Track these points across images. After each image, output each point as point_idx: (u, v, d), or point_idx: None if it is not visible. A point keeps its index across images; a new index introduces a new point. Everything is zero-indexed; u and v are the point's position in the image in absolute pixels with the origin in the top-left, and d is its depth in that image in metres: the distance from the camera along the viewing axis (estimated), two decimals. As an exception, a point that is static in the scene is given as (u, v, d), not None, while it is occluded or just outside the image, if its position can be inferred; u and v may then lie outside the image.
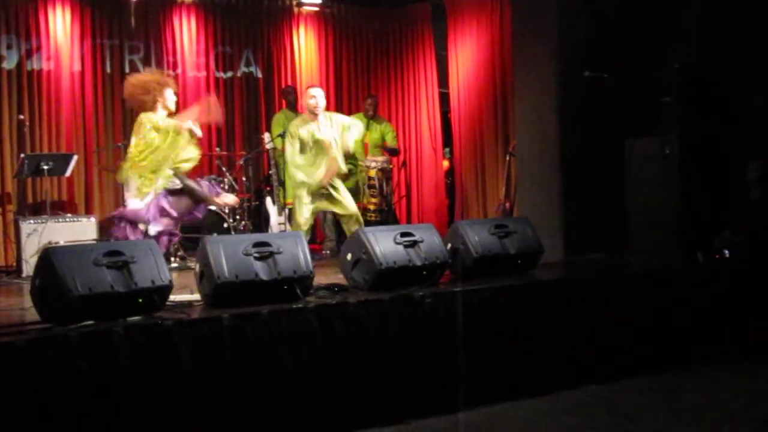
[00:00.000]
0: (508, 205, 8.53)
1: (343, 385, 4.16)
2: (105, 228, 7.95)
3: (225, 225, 7.77)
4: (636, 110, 6.66)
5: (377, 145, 9.08)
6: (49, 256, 3.76)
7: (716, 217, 6.15)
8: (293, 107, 9.07)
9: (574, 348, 4.91)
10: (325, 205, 6.79)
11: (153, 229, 5.79)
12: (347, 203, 6.78)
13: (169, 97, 5.95)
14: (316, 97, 6.76)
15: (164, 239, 5.92)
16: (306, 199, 6.67)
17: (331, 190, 6.73)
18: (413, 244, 4.76)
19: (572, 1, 6.61)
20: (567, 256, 6.37)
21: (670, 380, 4.91)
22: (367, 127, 9.01)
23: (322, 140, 6.67)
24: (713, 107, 6.32)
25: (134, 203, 5.76)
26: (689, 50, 6.47)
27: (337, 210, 6.82)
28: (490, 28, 9.29)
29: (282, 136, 7.37)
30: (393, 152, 9.27)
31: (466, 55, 9.74)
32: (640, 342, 5.12)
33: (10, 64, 8.36)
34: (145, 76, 6.16)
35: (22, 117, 8.16)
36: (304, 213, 6.68)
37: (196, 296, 4.46)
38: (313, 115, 6.74)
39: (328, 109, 7.00)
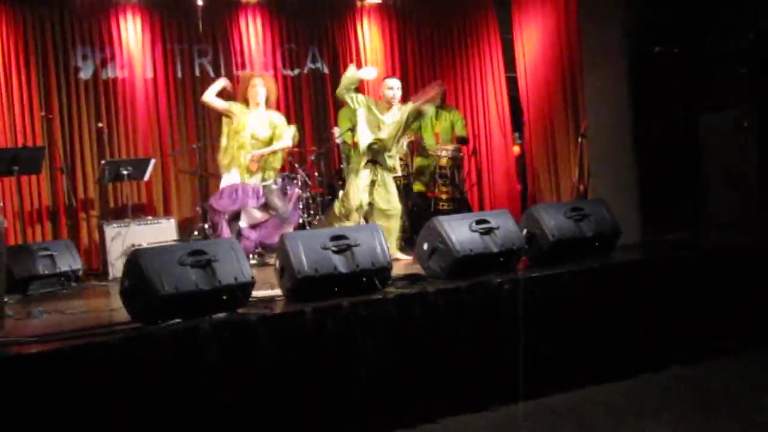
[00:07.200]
0: (582, 187, 8.42)
1: (424, 374, 4.19)
2: (184, 228, 8.17)
3: (299, 220, 7.86)
4: (709, 84, 6.51)
5: (447, 134, 9.06)
6: (136, 258, 3.88)
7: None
8: (360, 100, 9.10)
9: (656, 330, 4.84)
10: (376, 192, 6.64)
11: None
12: (393, 198, 6.69)
13: (253, 92, 6.69)
14: (394, 88, 6.73)
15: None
16: (363, 181, 6.58)
17: (383, 183, 6.65)
18: (489, 231, 4.77)
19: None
20: (645, 236, 6.27)
21: (756, 362, 4.79)
22: (437, 117, 9.00)
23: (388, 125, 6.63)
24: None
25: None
26: (762, 19, 6.29)
27: (381, 203, 6.64)
28: (555, 9, 9.17)
29: (351, 130, 7.42)
30: (462, 141, 9.23)
31: (532, 38, 9.64)
32: (723, 322, 5.01)
33: (86, 74, 8.63)
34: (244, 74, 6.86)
35: (101, 125, 8.41)
36: (359, 196, 6.56)
37: (277, 291, 4.56)
38: (389, 105, 6.73)
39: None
